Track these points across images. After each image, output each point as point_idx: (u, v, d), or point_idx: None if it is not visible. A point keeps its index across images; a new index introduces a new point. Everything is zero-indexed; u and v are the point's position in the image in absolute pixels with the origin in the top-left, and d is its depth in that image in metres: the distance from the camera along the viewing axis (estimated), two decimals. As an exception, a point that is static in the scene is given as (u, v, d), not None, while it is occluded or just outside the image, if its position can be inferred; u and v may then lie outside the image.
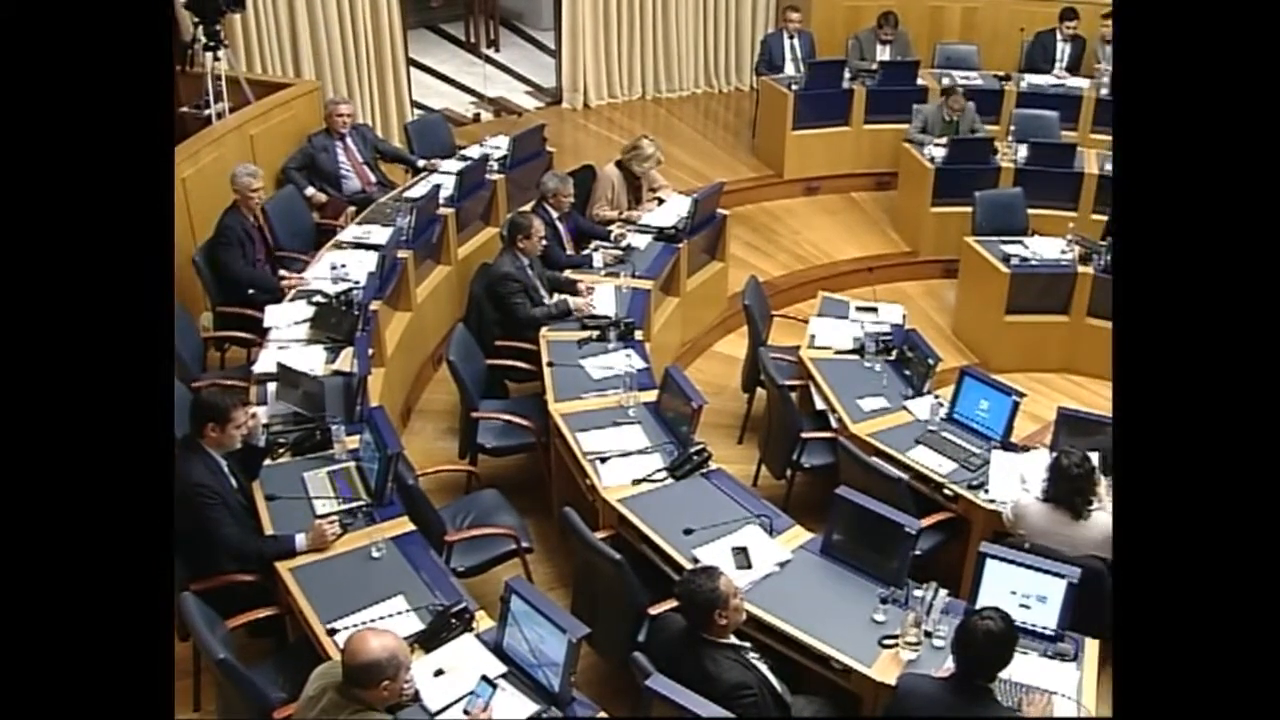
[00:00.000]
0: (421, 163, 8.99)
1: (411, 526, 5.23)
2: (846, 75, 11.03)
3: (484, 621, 4.70)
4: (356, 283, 7.02)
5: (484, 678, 4.34)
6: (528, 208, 7.92)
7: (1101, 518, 5.39)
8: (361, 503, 5.33)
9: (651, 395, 6.35)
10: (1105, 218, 9.15)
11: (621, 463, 5.83)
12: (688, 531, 5.32)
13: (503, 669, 4.45)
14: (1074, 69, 11.48)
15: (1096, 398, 8.26)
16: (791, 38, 11.50)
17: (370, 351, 6.50)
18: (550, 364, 6.65)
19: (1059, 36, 11.53)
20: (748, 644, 4.68)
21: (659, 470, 5.77)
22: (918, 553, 5.24)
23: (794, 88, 10.87)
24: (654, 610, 4.98)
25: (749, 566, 5.14)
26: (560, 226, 7.97)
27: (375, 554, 5.03)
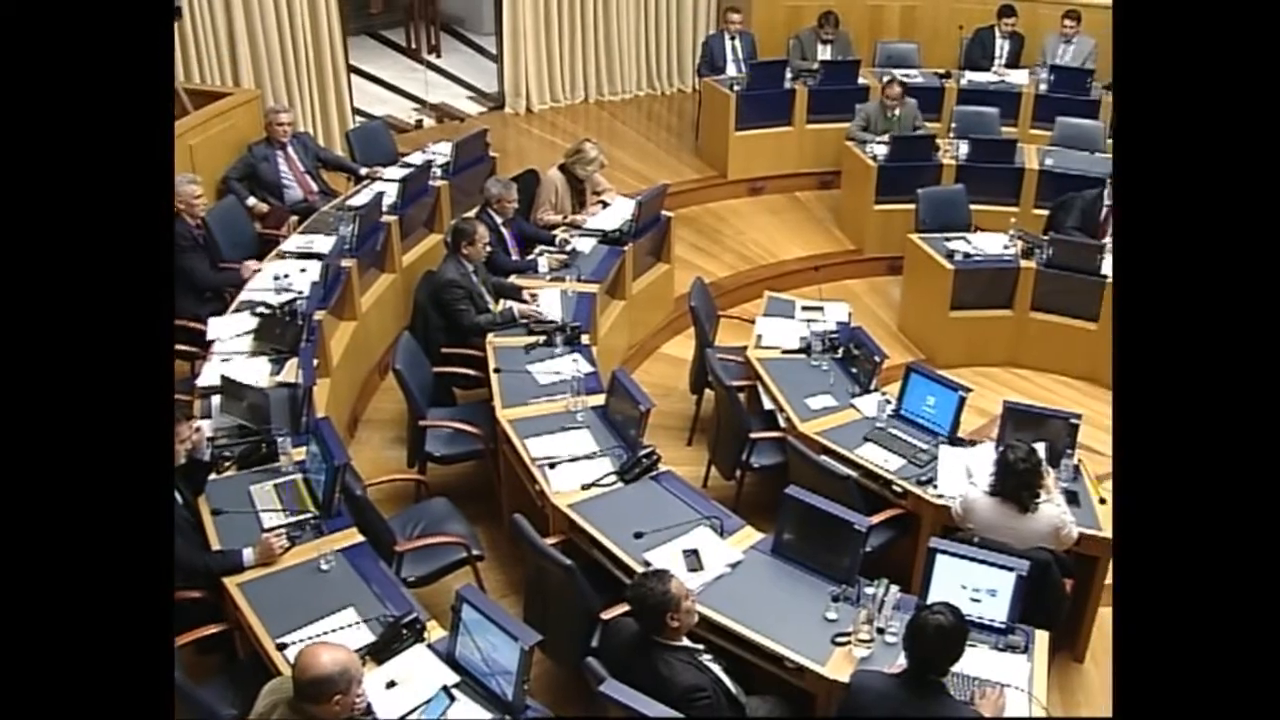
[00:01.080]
0: (364, 170, 8.94)
1: (360, 538, 5.20)
2: (788, 75, 11.09)
3: (436, 631, 4.67)
4: (300, 293, 6.95)
5: (444, 688, 4.33)
6: (471, 213, 7.90)
7: (1048, 510, 5.43)
8: (309, 515, 5.29)
9: (599, 399, 6.34)
10: (1046, 212, 9.27)
11: (570, 468, 5.81)
12: (638, 535, 5.32)
13: (456, 679, 4.42)
14: (1013, 65, 11.59)
15: (1042, 390, 8.37)
16: (732, 39, 11.54)
17: (315, 362, 6.44)
18: (497, 370, 6.63)
19: (998, 33, 11.64)
20: (701, 646, 4.68)
21: (608, 474, 5.76)
22: (868, 550, 5.26)
23: (736, 88, 10.91)
24: (606, 615, 4.97)
25: (700, 568, 5.15)
26: (504, 232, 7.96)
27: (324, 566, 4.98)
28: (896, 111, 10.27)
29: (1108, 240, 8.47)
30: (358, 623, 4.67)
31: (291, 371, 6.25)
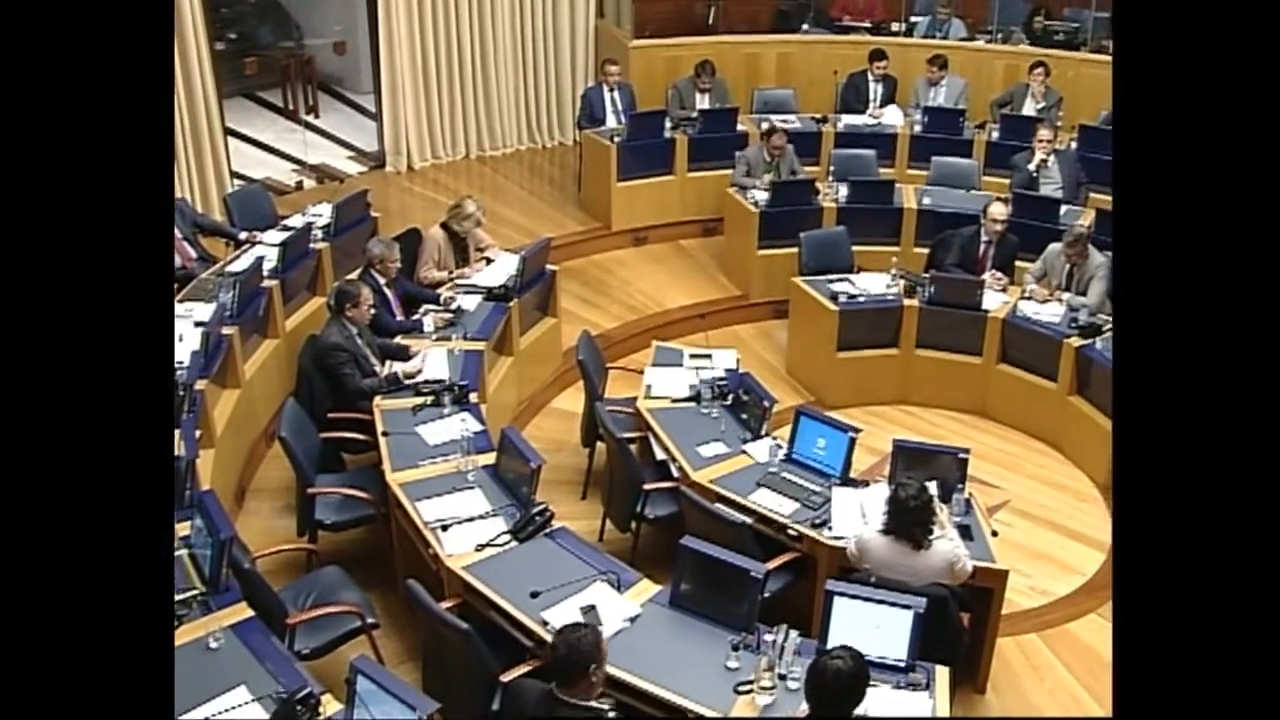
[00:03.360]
0: (243, 235, 8.78)
1: (250, 612, 5.07)
2: (667, 125, 11.18)
3: (331, 705, 4.55)
4: (180, 363, 6.79)
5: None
6: (354, 275, 7.84)
7: (942, 546, 5.48)
8: (196, 591, 5.15)
9: (490, 458, 6.28)
10: (926, 250, 9.41)
11: (463, 529, 5.74)
12: (535, 594, 5.25)
13: (353, 752, 4.33)
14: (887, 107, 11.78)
15: (930, 426, 8.48)
16: (611, 90, 11.59)
17: (198, 433, 6.31)
18: (385, 433, 6.54)
19: (870, 77, 11.82)
20: (605, 705, 4.62)
21: (502, 534, 5.70)
22: (766, 595, 5.27)
23: (616, 139, 10.95)
24: (506, 677, 4.90)
25: (599, 624, 5.09)
26: (388, 292, 7.88)
27: (213, 644, 4.85)
28: (777, 156, 10.35)
29: (987, 275, 8.64)
30: (249, 701, 4.54)
31: (173, 444, 6.10)
